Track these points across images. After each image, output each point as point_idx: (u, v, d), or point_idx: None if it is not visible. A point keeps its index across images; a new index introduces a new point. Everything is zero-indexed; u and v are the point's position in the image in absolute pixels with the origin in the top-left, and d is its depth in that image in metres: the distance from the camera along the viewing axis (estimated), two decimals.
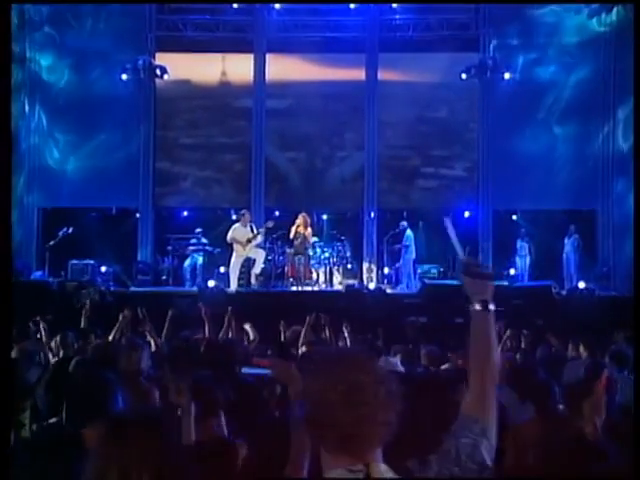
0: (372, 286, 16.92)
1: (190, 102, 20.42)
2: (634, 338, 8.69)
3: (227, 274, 17.56)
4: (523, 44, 19.78)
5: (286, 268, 17.88)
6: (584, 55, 19.45)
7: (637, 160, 16.80)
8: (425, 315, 13.26)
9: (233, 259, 17.08)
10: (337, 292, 16.94)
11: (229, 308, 9.48)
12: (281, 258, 18.07)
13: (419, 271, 19.47)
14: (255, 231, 17.01)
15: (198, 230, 19.03)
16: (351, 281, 18.54)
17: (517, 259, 19.50)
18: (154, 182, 20.32)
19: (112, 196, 19.95)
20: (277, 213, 20.10)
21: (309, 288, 17.45)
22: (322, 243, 18.80)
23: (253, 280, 17.20)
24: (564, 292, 16.94)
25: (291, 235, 17.71)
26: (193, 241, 18.89)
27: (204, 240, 18.85)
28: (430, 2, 19.84)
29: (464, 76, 19.83)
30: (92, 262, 18.37)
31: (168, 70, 20.04)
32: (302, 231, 17.55)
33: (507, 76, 19.79)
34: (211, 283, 16.54)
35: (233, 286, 16.79)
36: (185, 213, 20.71)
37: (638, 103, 16.90)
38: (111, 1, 19.63)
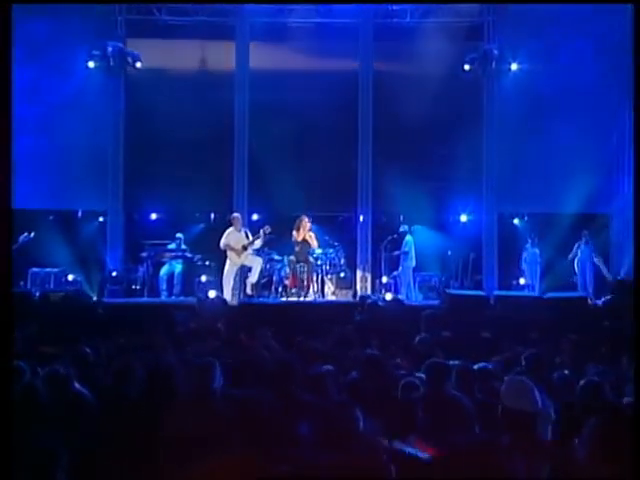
0: (389, 297, 15.22)
1: (165, 93, 18.39)
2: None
3: (210, 283, 16.54)
4: (532, 32, 18.12)
5: (286, 277, 16.32)
6: (599, 46, 17.80)
7: (637, 160, 15.77)
8: (449, 329, 11.57)
9: (227, 267, 15.69)
10: (350, 303, 15.36)
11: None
12: (279, 266, 16.54)
13: (418, 279, 17.88)
14: (250, 236, 15.57)
15: (179, 235, 17.42)
16: (345, 291, 17.16)
17: (526, 267, 17.89)
18: (125, 181, 18.44)
19: (78, 197, 18.02)
20: (255, 216, 18.23)
21: (311, 299, 15.86)
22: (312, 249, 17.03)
23: (249, 290, 15.72)
24: (600, 303, 15.27)
25: (293, 240, 16.17)
26: (171, 247, 17.26)
27: (184, 246, 17.27)
28: (432, 2, 18.19)
29: (467, 67, 18.29)
30: (56, 270, 16.72)
31: (141, 58, 18.27)
32: (304, 236, 15.98)
33: (514, 67, 18.21)
34: (212, 294, 14.94)
35: (227, 297, 15.10)
36: (154, 216, 18.76)
37: (638, 103, 15.74)
38: (109, 1, 17.97)
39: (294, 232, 16.09)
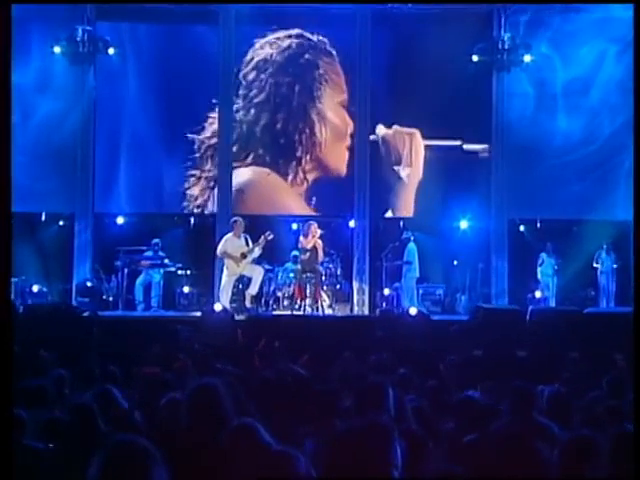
0: (413, 311, 13.68)
1: (140, 83, 16.67)
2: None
3: (193, 295, 15.65)
4: (546, 20, 16.55)
5: (292, 288, 14.98)
6: (622, 36, 16.11)
7: (637, 160, 14.54)
8: (480, 347, 10.77)
9: (224, 277, 14.66)
10: (371, 318, 14.58)
11: None
12: (283, 276, 15.28)
13: (421, 292, 16.35)
14: (250, 243, 14.40)
15: (155, 241, 15.76)
16: (342, 304, 15.73)
17: (541, 279, 16.31)
18: (94, 182, 16.58)
19: (41, 198, 16.16)
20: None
21: (320, 312, 14.66)
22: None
23: (248, 303, 14.65)
24: None
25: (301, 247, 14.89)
26: (148, 254, 15.64)
27: (161, 253, 15.71)
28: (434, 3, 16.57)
29: (475, 58, 16.60)
30: (16, 280, 14.82)
31: (112, 43, 16.51)
32: (313, 243, 14.70)
33: (527, 59, 16.53)
34: (218, 307, 13.48)
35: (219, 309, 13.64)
36: (124, 219, 16.88)
37: (638, 103, 14.72)
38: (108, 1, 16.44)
39: (301, 239, 14.95)
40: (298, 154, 16.90)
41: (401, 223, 17.01)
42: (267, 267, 15.24)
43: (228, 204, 16.43)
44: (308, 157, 16.93)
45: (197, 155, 16.73)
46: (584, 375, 8.03)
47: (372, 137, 16.79)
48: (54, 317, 12.38)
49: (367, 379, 6.16)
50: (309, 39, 17.01)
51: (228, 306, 14.08)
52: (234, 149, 16.78)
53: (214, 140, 16.76)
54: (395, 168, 16.82)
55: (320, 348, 9.35)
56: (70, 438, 5.02)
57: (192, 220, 17.18)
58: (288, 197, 16.93)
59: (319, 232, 14.82)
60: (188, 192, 16.70)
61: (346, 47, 16.93)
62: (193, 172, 16.75)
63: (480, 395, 6.27)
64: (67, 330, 11.45)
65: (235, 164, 16.70)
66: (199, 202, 16.80)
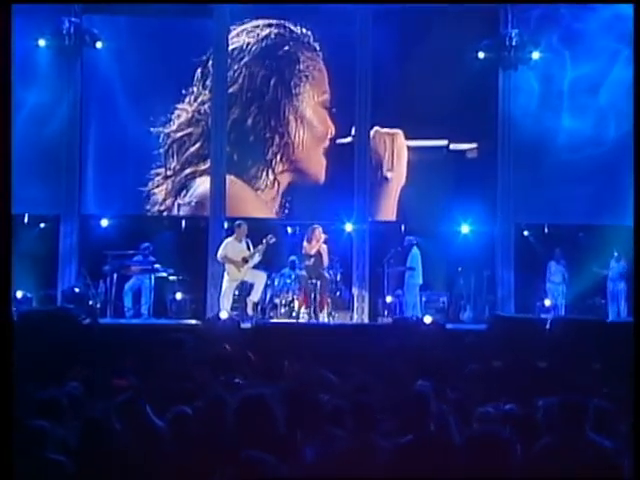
0: (428, 319, 13.19)
1: (130, 79, 15.90)
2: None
3: (186, 302, 15.10)
4: (556, 15, 15.91)
5: (290, 295, 14.46)
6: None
7: (637, 161, 14.28)
8: (499, 358, 10.37)
9: (225, 283, 14.20)
10: (384, 326, 14.04)
11: None
12: (280, 282, 14.65)
13: (424, 299, 15.65)
14: (252, 248, 14.04)
15: (145, 245, 15.11)
16: (343, 312, 14.98)
17: (550, 287, 15.67)
18: (80, 182, 15.83)
19: (24, 199, 15.11)
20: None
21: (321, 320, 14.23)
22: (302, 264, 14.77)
23: (250, 311, 14.12)
24: None
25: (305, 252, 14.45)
26: (137, 259, 15.03)
27: (151, 257, 15.05)
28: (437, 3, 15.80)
29: (481, 55, 15.93)
30: None
31: (101, 37, 15.79)
32: (318, 248, 14.30)
33: (535, 56, 15.87)
34: (224, 314, 13.06)
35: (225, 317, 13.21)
36: (109, 222, 16.15)
37: (638, 103, 14.36)
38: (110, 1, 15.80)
39: (305, 244, 14.51)
40: (269, 155, 16.12)
41: (402, 227, 16.33)
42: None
43: (221, 206, 15.67)
44: (280, 158, 16.13)
45: (162, 151, 15.97)
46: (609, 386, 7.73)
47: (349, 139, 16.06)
48: (53, 325, 11.77)
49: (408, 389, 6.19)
50: (291, 30, 16.20)
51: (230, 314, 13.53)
52: (197, 145, 15.96)
53: (180, 134, 15.95)
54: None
55: (333, 357, 9.00)
56: (87, 450, 5.01)
57: (184, 223, 16.41)
58: (254, 206, 16.15)
59: (323, 237, 14.35)
60: (152, 194, 15.98)
61: (333, 43, 16.14)
62: (158, 171, 15.99)
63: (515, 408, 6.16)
64: (68, 339, 10.97)
65: (199, 166, 15.90)
66: (164, 207, 16.05)
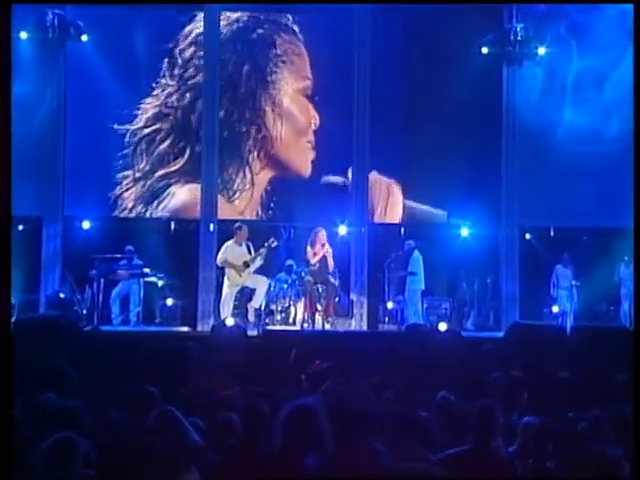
0: (443, 327, 12.79)
1: (118, 73, 15.14)
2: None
3: (177, 308, 14.49)
4: (562, 9, 15.34)
5: (293, 301, 14.05)
6: None
7: (637, 161, 13.87)
8: (518, 367, 10.04)
9: (225, 288, 13.95)
10: (397, 333, 13.66)
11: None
12: (277, 287, 14.15)
13: (425, 305, 15.09)
14: (252, 251, 13.88)
15: (128, 248, 14.49)
16: (343, 319, 14.46)
17: (558, 292, 15.10)
18: (64, 183, 15.11)
19: None
20: (212, 226, 14.94)
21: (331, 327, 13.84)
22: (299, 269, 14.27)
23: (251, 316, 13.87)
24: None
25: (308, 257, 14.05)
26: (124, 263, 14.40)
27: (138, 261, 14.46)
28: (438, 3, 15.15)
29: (485, 50, 15.40)
30: None
31: (86, 29, 15.11)
32: (322, 252, 13.99)
33: (541, 52, 15.33)
34: (230, 321, 12.75)
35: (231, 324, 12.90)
36: (89, 224, 15.35)
37: (638, 103, 14.04)
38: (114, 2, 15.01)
39: (308, 248, 14.13)
40: (244, 151, 15.32)
41: (401, 229, 15.73)
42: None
43: (212, 208, 14.94)
44: (257, 154, 15.35)
45: (128, 151, 15.18)
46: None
47: (342, 179, 15.34)
48: (53, 332, 11.21)
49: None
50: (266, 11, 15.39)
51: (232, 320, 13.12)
52: (167, 143, 15.16)
53: (147, 130, 15.16)
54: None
55: (347, 365, 8.83)
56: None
57: (172, 225, 15.73)
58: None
59: (321, 239, 14.01)
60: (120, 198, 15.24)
61: (315, 25, 15.47)
62: (126, 173, 15.21)
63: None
64: (72, 347, 10.37)
65: (168, 168, 15.10)
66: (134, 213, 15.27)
